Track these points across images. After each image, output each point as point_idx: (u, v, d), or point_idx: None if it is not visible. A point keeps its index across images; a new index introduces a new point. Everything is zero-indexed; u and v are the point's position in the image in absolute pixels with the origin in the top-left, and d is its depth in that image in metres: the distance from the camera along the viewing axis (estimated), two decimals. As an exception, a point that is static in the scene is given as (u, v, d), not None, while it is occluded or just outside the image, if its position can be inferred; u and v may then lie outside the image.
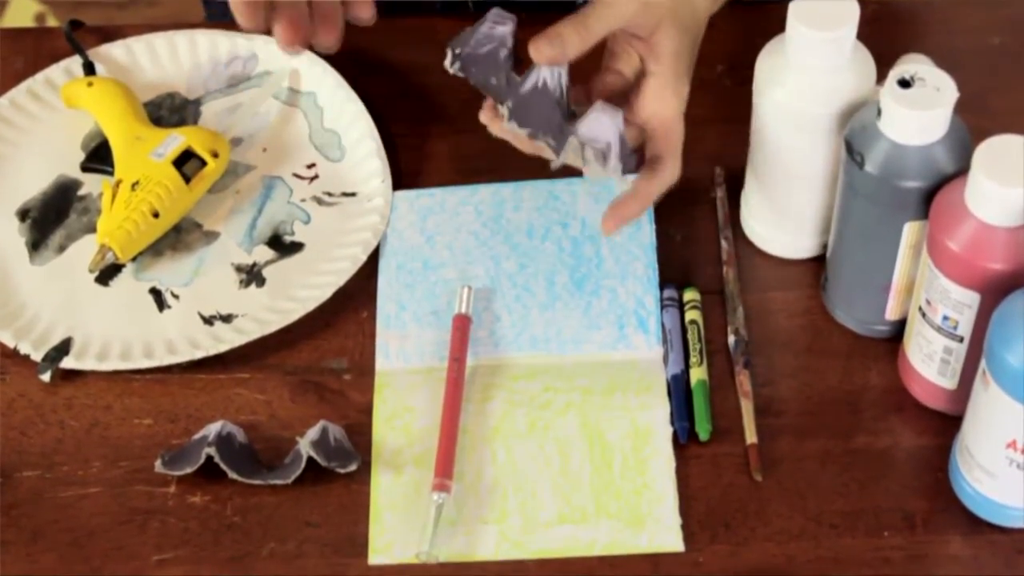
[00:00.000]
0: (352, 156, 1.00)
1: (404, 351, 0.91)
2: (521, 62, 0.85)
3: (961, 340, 0.82)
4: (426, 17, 1.08)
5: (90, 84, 1.01)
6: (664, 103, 0.86)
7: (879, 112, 0.81)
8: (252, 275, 0.95)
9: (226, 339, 0.91)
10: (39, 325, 0.93)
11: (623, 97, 0.88)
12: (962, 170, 0.80)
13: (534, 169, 0.96)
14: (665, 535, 0.83)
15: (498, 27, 0.84)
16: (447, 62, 0.84)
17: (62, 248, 0.97)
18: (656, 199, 0.88)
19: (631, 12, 0.84)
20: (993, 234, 0.78)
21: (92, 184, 1.00)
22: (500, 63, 0.84)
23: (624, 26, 0.85)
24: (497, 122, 0.86)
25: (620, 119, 0.84)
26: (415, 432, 0.88)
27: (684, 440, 0.87)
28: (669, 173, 0.87)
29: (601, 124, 0.84)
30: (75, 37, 1.05)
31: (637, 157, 0.87)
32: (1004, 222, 0.77)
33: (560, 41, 0.82)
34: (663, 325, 0.91)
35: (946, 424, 0.86)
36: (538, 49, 0.82)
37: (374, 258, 0.95)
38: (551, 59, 0.83)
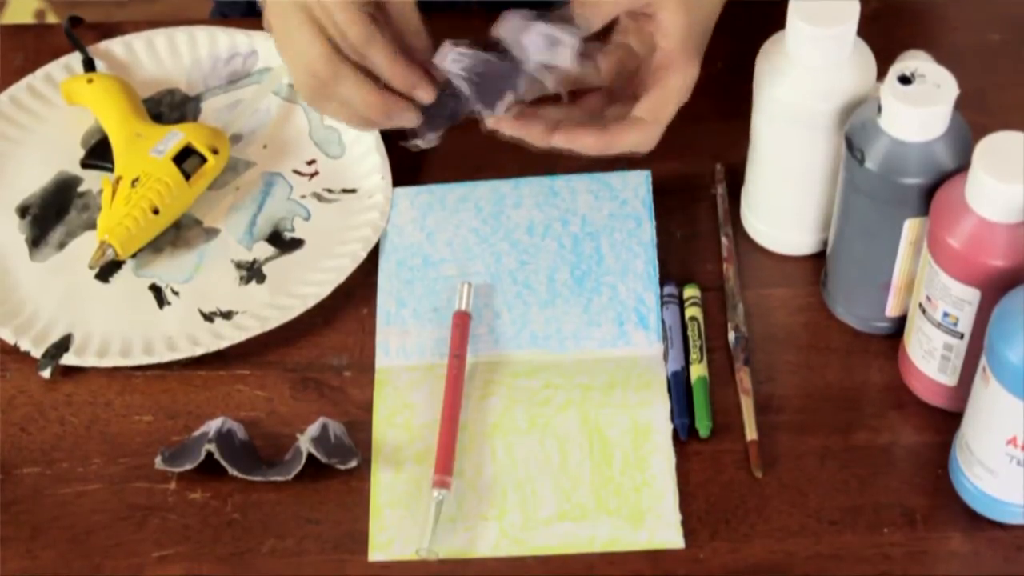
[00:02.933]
0: (352, 152, 1.00)
1: (404, 348, 0.91)
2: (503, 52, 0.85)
3: (961, 336, 0.82)
4: (426, 15, 1.07)
5: (90, 81, 1.01)
6: (668, 75, 0.85)
7: (879, 109, 0.81)
8: (252, 272, 0.95)
9: (226, 336, 0.91)
10: (39, 322, 0.93)
11: (633, 73, 0.88)
12: (962, 167, 0.80)
13: (534, 165, 0.96)
14: (665, 531, 0.83)
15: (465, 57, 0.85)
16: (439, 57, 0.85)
17: (62, 245, 0.97)
18: (614, 153, 0.86)
19: None
20: (993, 230, 0.78)
21: (92, 181, 0.99)
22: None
23: (629, 7, 0.85)
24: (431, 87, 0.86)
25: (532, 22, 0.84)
26: (415, 429, 0.88)
27: (684, 437, 0.87)
28: (642, 136, 0.85)
29: (531, 40, 0.84)
30: (75, 33, 1.05)
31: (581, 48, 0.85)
32: (1004, 218, 0.77)
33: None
34: (663, 322, 0.91)
35: (946, 421, 0.86)
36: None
37: (374, 255, 0.95)
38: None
